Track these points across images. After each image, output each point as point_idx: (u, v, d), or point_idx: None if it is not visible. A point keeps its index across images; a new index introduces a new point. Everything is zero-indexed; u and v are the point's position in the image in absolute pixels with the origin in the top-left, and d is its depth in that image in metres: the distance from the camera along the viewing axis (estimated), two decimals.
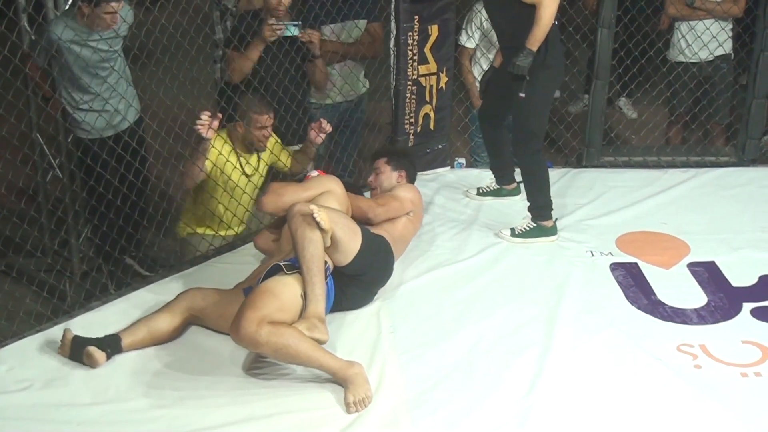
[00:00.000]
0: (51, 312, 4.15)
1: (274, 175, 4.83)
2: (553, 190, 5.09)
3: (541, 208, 4.76)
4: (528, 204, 4.82)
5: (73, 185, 4.90)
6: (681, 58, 5.85)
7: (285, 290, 3.59)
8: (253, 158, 4.71)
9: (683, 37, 5.77)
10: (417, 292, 4.29)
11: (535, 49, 4.46)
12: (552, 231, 4.76)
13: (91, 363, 3.59)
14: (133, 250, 4.99)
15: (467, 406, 3.48)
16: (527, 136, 4.67)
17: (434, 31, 5.29)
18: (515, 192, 5.18)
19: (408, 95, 5.37)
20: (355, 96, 5.45)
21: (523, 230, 4.76)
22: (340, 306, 3.96)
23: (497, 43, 4.94)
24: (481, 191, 5.23)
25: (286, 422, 3.38)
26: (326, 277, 3.71)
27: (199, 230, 4.73)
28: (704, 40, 5.71)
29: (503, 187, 5.21)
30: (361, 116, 5.53)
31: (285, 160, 4.84)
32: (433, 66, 5.37)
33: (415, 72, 5.33)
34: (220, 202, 4.63)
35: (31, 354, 3.73)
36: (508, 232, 4.77)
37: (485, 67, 5.47)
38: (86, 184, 4.69)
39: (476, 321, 4.04)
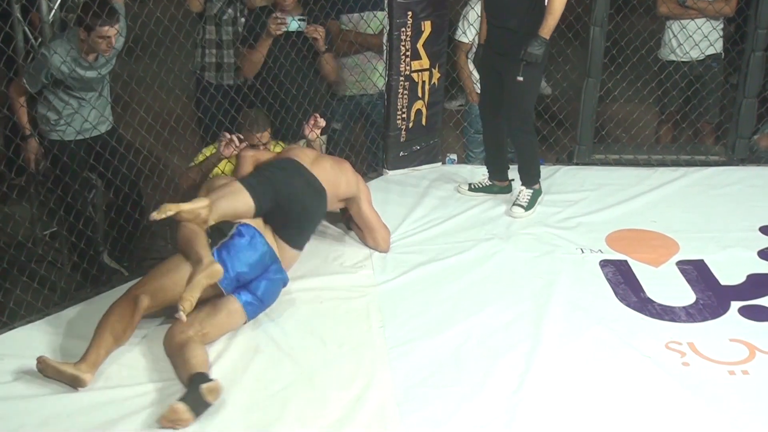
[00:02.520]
0: (42, 303, 4.14)
1: None
2: (544, 187, 5.17)
3: (534, 175, 5.04)
4: (521, 177, 5.06)
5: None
6: (672, 57, 5.86)
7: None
8: None
9: (675, 36, 5.78)
10: (407, 288, 4.30)
11: (548, 38, 4.60)
12: (540, 190, 5.09)
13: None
14: (110, 249, 5.00)
15: (456, 401, 3.50)
16: (524, 116, 4.89)
17: (427, 27, 5.29)
18: (507, 189, 5.20)
19: (400, 91, 5.37)
20: (376, 89, 5.47)
21: (528, 200, 4.99)
22: (295, 243, 4.13)
23: (486, 20, 4.98)
24: (472, 187, 5.24)
25: (273, 416, 3.39)
26: (233, 237, 3.88)
27: None
28: (695, 39, 5.72)
29: (495, 183, 5.22)
30: (383, 111, 5.52)
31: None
32: (425, 62, 5.37)
33: (408, 67, 5.33)
34: None
35: (21, 345, 3.73)
36: (520, 210, 4.95)
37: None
38: (60, 181, 4.68)
39: (466, 317, 4.05)
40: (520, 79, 4.65)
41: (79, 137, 4.70)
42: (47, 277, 4.35)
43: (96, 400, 3.43)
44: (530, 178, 5.06)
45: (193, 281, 3.62)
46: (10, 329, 3.85)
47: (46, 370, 3.50)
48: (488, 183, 5.24)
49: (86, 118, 4.67)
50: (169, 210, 3.75)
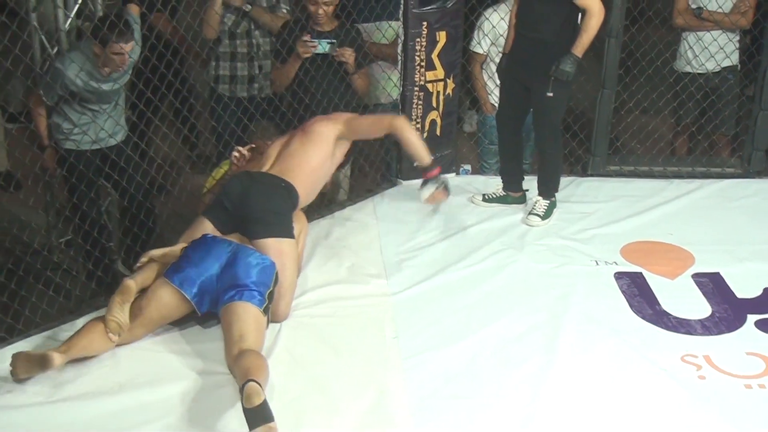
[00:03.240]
0: (57, 311, 4.15)
1: None
2: (558, 198, 5.16)
3: (553, 188, 5.09)
4: (540, 187, 5.08)
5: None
6: (688, 69, 5.84)
7: None
8: None
9: (690, 47, 5.77)
10: (420, 298, 4.29)
11: (581, 56, 4.62)
12: (556, 202, 5.12)
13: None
14: (124, 257, 5.02)
15: (469, 412, 3.48)
16: (553, 128, 4.95)
17: (442, 37, 5.30)
18: (521, 200, 5.20)
19: (415, 101, 5.38)
20: (390, 99, 5.50)
21: (545, 210, 5.02)
22: (265, 234, 4.04)
23: (514, 30, 4.93)
24: (486, 198, 5.23)
25: (287, 425, 3.37)
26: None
27: None
28: (711, 51, 5.71)
29: (509, 193, 5.22)
30: None
31: None
32: (440, 72, 5.38)
33: (423, 78, 5.34)
34: None
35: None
36: (537, 219, 4.97)
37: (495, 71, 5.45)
38: (75, 190, 4.71)
39: (480, 328, 4.04)
40: (550, 95, 4.68)
41: (95, 146, 4.72)
42: (62, 284, 4.36)
43: (113, 408, 3.43)
44: (549, 190, 5.08)
45: (109, 302, 3.69)
46: (26, 337, 3.85)
47: (17, 369, 3.49)
48: (503, 193, 5.24)
49: (102, 127, 4.69)
50: (143, 258, 3.91)
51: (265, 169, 4.28)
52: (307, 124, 4.49)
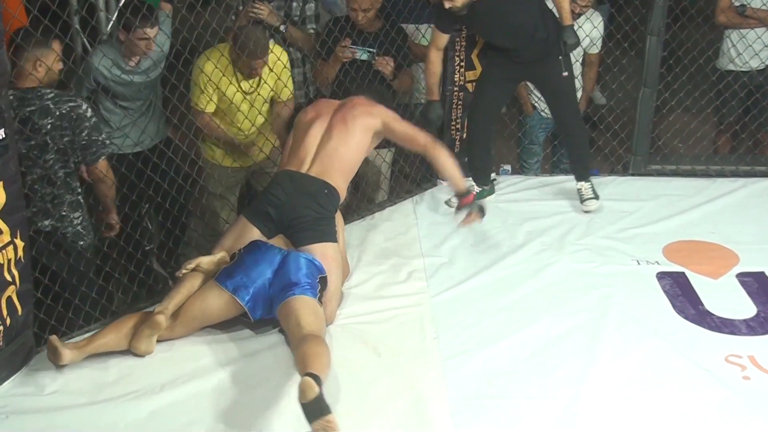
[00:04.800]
0: (99, 313, 4.20)
1: None
2: (600, 197, 5.11)
3: (588, 167, 5.21)
4: (577, 171, 5.19)
5: None
6: (731, 67, 5.77)
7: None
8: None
9: (734, 45, 5.70)
10: (460, 299, 4.29)
11: (572, 22, 4.76)
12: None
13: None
14: (157, 253, 5.06)
15: (510, 413, 3.46)
16: (576, 111, 5.14)
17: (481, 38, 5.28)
18: (491, 191, 5.28)
19: (454, 101, 5.37)
20: None
21: (593, 191, 5.14)
22: (311, 240, 4.04)
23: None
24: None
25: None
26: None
27: (219, 160, 4.95)
28: (755, 48, 5.64)
29: (483, 188, 5.24)
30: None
31: (284, 96, 4.97)
32: (479, 72, 5.36)
33: (462, 78, 5.33)
34: (219, 125, 4.83)
35: None
36: (593, 202, 5.11)
37: None
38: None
39: (520, 328, 4.02)
40: (566, 74, 4.81)
41: (137, 149, 4.76)
42: (104, 287, 4.41)
43: (154, 408, 3.45)
44: (586, 172, 5.19)
45: (138, 331, 3.73)
46: (69, 338, 3.90)
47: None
48: (481, 188, 5.24)
49: (143, 129, 4.73)
50: (190, 264, 3.93)
51: (304, 168, 4.20)
52: (347, 109, 4.34)
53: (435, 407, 3.48)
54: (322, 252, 4.01)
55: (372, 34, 5.11)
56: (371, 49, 5.03)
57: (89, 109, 4.04)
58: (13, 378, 3.60)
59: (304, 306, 3.71)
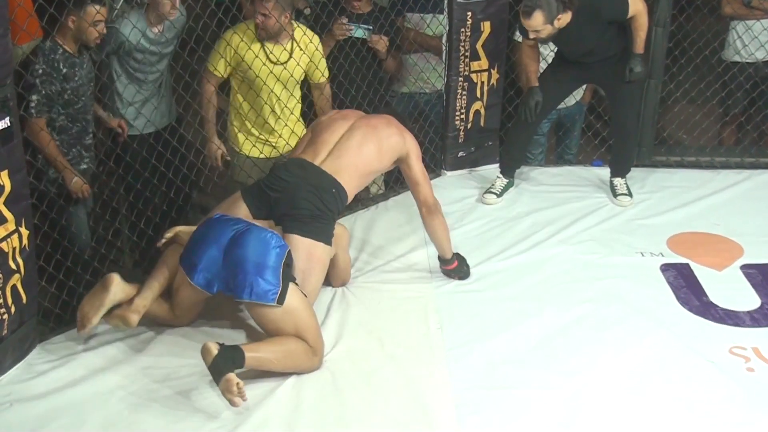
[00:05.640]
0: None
1: None
2: (604, 189, 5.10)
3: (627, 169, 5.31)
4: (619, 168, 5.26)
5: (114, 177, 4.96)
6: (737, 58, 5.76)
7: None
8: (279, 49, 4.72)
9: (739, 37, 5.68)
10: (464, 289, 4.28)
11: (643, 52, 4.82)
12: None
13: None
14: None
15: (514, 404, 3.47)
16: (637, 124, 5.30)
17: (486, 27, 5.28)
18: (512, 184, 5.31)
19: (459, 91, 5.37)
20: (434, 90, 5.50)
21: (626, 189, 5.21)
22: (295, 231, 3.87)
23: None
24: (496, 192, 5.21)
25: (331, 416, 3.39)
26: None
27: (247, 150, 4.87)
28: (761, 40, 5.62)
29: (511, 179, 5.28)
30: (441, 111, 5.52)
31: (316, 78, 4.88)
32: (484, 62, 5.35)
33: (467, 68, 5.32)
34: (245, 99, 4.77)
35: (82, 343, 3.78)
36: (628, 198, 5.16)
37: (545, 54, 5.39)
38: (124, 180, 4.78)
39: (524, 319, 4.02)
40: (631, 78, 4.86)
41: (147, 130, 4.76)
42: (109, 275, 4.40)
43: (160, 394, 3.46)
44: (624, 170, 5.28)
45: (112, 314, 3.66)
46: (74, 328, 3.88)
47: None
48: (507, 181, 5.25)
49: (155, 106, 4.76)
50: (169, 233, 3.83)
51: (319, 160, 4.03)
52: (379, 120, 4.22)
53: (439, 398, 3.48)
54: (310, 250, 3.84)
55: (362, 16, 5.11)
56: (368, 26, 5.03)
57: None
58: (17, 366, 3.61)
59: (267, 322, 3.57)
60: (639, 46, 4.77)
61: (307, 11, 5.17)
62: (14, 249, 3.47)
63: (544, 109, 5.07)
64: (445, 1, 5.22)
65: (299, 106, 4.92)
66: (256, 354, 3.43)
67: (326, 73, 4.91)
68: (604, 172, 5.36)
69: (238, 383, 3.24)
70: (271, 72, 4.69)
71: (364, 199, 5.14)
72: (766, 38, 5.62)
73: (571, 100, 5.52)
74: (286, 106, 4.80)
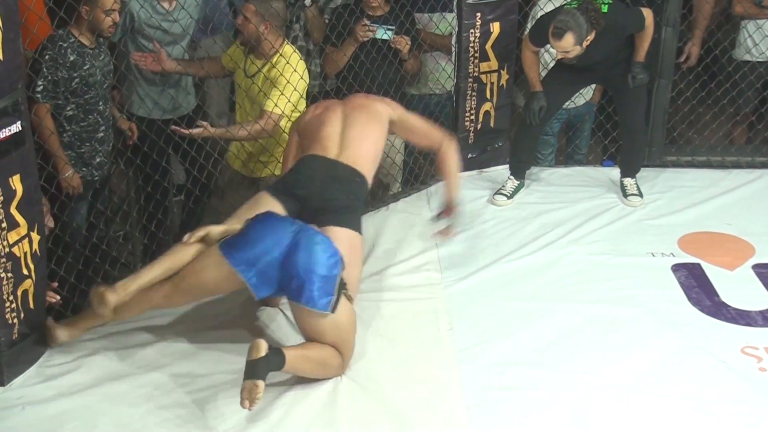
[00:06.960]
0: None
1: None
2: (615, 190, 5.08)
3: (637, 168, 5.30)
4: (629, 168, 5.27)
5: (128, 175, 4.97)
6: (747, 57, 5.73)
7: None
8: (261, 62, 4.71)
9: (750, 36, 5.66)
10: (475, 290, 4.28)
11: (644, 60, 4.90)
12: None
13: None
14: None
15: (525, 405, 3.47)
16: (645, 124, 5.30)
17: (496, 28, 5.27)
18: (522, 185, 5.29)
19: (468, 92, 5.37)
20: (444, 92, 5.50)
21: (637, 189, 5.21)
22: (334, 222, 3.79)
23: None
24: (507, 194, 5.20)
25: (341, 416, 3.39)
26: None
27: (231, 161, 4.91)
28: None
29: (521, 180, 5.27)
30: (450, 113, 5.52)
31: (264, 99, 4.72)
32: (494, 63, 5.35)
33: (476, 69, 5.32)
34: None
35: (92, 346, 3.78)
36: (638, 198, 5.15)
37: (548, 60, 5.39)
38: (140, 169, 4.79)
39: (535, 320, 4.02)
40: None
41: (166, 116, 4.74)
42: (121, 279, 4.41)
43: (169, 400, 3.47)
44: (634, 170, 5.28)
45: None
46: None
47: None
48: (518, 182, 5.24)
49: (172, 95, 4.77)
50: (200, 232, 3.69)
51: (332, 153, 3.99)
52: (360, 99, 4.27)
53: (450, 399, 3.49)
54: (350, 241, 3.77)
55: (381, 17, 5.13)
56: (391, 26, 5.06)
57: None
58: (29, 370, 3.62)
59: (315, 326, 3.48)
60: (641, 55, 4.85)
61: (307, 2, 5.17)
62: (26, 253, 3.48)
63: (549, 111, 5.05)
64: (454, 2, 5.22)
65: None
66: (294, 365, 3.39)
67: (275, 109, 4.61)
68: (615, 172, 5.35)
69: (259, 393, 3.21)
70: (241, 83, 4.77)
71: (376, 201, 5.14)
72: None
73: (580, 100, 5.52)
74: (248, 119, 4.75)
